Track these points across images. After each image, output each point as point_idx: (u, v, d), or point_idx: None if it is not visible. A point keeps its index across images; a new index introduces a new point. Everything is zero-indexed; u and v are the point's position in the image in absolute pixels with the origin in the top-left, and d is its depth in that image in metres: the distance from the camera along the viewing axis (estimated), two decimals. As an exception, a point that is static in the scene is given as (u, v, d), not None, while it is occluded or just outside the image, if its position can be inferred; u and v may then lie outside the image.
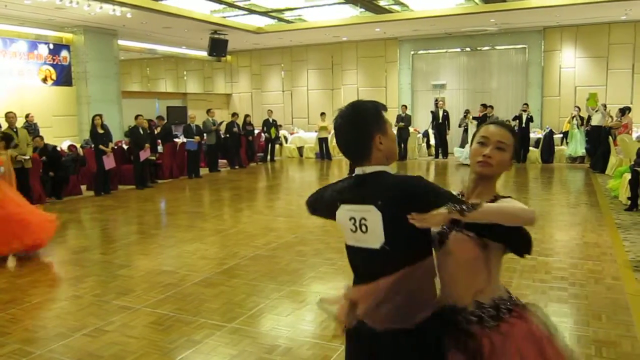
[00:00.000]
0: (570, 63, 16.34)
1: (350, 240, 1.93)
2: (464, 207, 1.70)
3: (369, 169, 1.90)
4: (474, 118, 15.02)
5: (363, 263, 1.94)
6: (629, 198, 8.51)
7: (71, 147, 12.41)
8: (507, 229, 1.74)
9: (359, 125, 1.90)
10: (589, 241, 6.65)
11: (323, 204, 2.06)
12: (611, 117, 13.38)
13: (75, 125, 14.53)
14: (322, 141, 17.09)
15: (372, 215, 1.82)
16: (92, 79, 14.48)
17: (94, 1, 11.47)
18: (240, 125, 16.01)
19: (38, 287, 5.50)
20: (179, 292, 5.09)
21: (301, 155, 18.28)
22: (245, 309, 4.61)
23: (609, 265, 5.60)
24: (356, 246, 1.92)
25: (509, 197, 1.89)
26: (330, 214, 2.01)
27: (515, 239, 1.81)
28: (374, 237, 1.84)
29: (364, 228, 1.86)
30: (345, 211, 1.92)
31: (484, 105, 15.10)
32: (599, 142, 13.14)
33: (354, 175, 1.95)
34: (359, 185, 1.91)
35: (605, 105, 13.74)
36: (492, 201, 1.84)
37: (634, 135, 12.75)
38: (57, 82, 14.17)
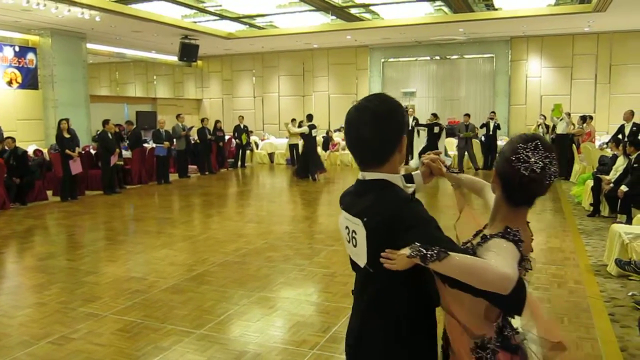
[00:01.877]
0: (536, 72, 16.75)
1: (347, 248, 1.79)
2: (429, 253, 1.46)
3: (369, 176, 1.70)
4: (419, 125, 15.31)
5: (356, 272, 1.81)
6: (591, 204, 8.76)
7: (37, 152, 12.17)
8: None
9: (385, 121, 1.65)
10: (553, 246, 6.82)
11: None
12: (574, 124, 13.74)
13: (41, 130, 14.24)
14: (293, 147, 17.08)
15: (360, 230, 1.65)
16: (60, 83, 14.23)
17: (62, 4, 11.29)
18: (211, 131, 15.93)
19: (1, 295, 5.39)
20: (147, 298, 5.04)
21: (272, 162, 18.25)
22: (214, 315, 4.59)
23: (571, 270, 5.76)
24: (351, 257, 1.79)
25: (516, 233, 1.60)
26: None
27: (496, 299, 1.49)
28: (361, 254, 1.68)
29: (354, 242, 1.70)
30: (343, 219, 1.78)
31: (435, 115, 15.31)
32: (564, 149, 13.47)
33: (357, 180, 1.77)
34: (358, 194, 1.73)
35: (569, 114, 14.11)
36: (501, 235, 1.60)
37: (597, 143, 13.12)
38: (22, 85, 13.89)
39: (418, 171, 1.99)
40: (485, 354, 1.65)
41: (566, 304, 4.73)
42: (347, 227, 1.74)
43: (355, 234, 1.67)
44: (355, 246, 1.70)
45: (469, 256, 1.50)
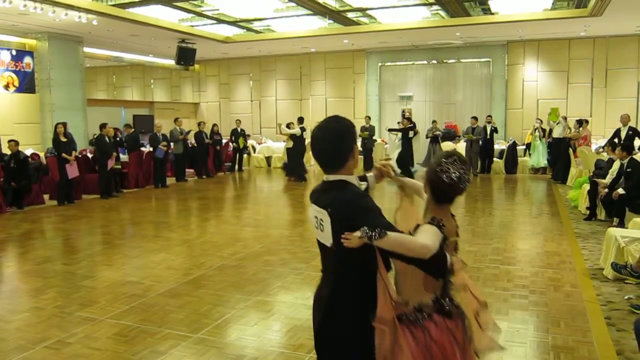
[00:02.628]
0: (533, 76, 16.80)
1: (315, 233, 2.29)
2: (373, 234, 1.94)
3: (332, 177, 2.20)
4: (392, 130, 15.28)
5: (322, 253, 2.31)
6: (587, 208, 8.78)
7: (34, 156, 12.15)
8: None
9: (340, 137, 2.18)
10: (549, 250, 6.84)
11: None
12: (570, 128, 13.79)
13: (38, 134, 14.22)
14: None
15: (326, 218, 2.14)
16: (57, 86, 14.21)
17: (59, 7, 11.29)
18: (208, 134, 15.94)
19: (-3, 299, 5.38)
20: (143, 302, 5.03)
21: (269, 165, 18.27)
22: (211, 319, 4.59)
23: (568, 274, 5.77)
24: (318, 239, 2.28)
25: (439, 221, 2.11)
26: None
27: (423, 265, 2.04)
28: (327, 237, 2.16)
29: (322, 227, 2.19)
30: (312, 210, 2.26)
31: (409, 119, 15.01)
32: (560, 153, 13.52)
33: (322, 181, 2.26)
34: (324, 191, 2.22)
35: (565, 118, 14.16)
36: (429, 222, 2.11)
37: (593, 147, 13.16)
38: (19, 89, 13.87)
39: (372, 174, 2.50)
40: (422, 315, 2.15)
41: (563, 308, 4.75)
42: (316, 217, 2.21)
43: (322, 221, 2.16)
44: (322, 231, 2.18)
45: (400, 234, 2.01)
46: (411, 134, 14.44)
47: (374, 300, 2.08)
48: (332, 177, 2.19)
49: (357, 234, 1.96)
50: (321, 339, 2.27)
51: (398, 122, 16.64)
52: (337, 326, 2.17)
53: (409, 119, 14.86)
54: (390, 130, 15.35)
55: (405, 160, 14.03)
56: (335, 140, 2.17)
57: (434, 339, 2.11)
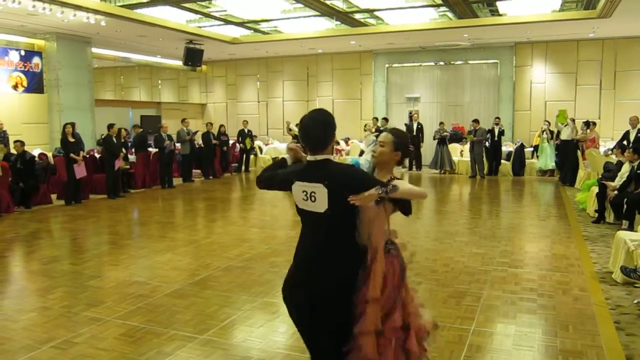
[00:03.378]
0: (541, 78, 16.72)
1: (301, 204, 2.70)
2: (388, 189, 2.51)
3: (319, 157, 2.65)
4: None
5: (310, 219, 2.72)
6: (596, 211, 8.72)
7: (41, 156, 12.21)
8: (405, 200, 2.74)
9: (328, 125, 2.69)
10: (557, 253, 6.79)
11: (277, 181, 2.86)
12: (577, 130, 13.72)
13: (46, 134, 14.29)
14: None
15: (320, 190, 2.59)
16: (65, 87, 14.28)
17: (68, 8, 11.34)
18: (215, 135, 15.96)
19: (5, 299, 5.39)
20: (150, 303, 5.03)
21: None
22: (217, 321, 4.58)
23: (576, 277, 5.73)
24: (306, 209, 2.69)
25: (400, 178, 2.78)
26: (282, 188, 2.88)
27: (406, 207, 2.78)
28: (320, 205, 2.61)
29: (313, 198, 2.63)
30: (298, 186, 2.68)
31: (385, 119, 16.23)
32: (568, 155, 13.44)
33: (307, 161, 2.70)
34: (312, 168, 2.66)
35: (573, 120, 14.08)
36: (391, 180, 2.63)
37: (602, 150, 13.08)
38: (28, 89, 13.95)
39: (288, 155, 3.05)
40: (390, 246, 2.79)
41: (571, 311, 4.71)
42: (304, 191, 2.64)
43: (314, 193, 2.61)
44: (314, 201, 2.62)
45: (402, 185, 2.61)
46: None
47: (354, 249, 2.69)
48: (318, 157, 2.64)
49: (372, 191, 2.48)
50: (320, 296, 2.65)
51: (405, 124, 16.65)
52: (328, 277, 2.64)
53: (386, 119, 16.48)
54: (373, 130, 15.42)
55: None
56: (324, 127, 2.67)
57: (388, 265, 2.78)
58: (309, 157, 2.67)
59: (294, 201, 2.76)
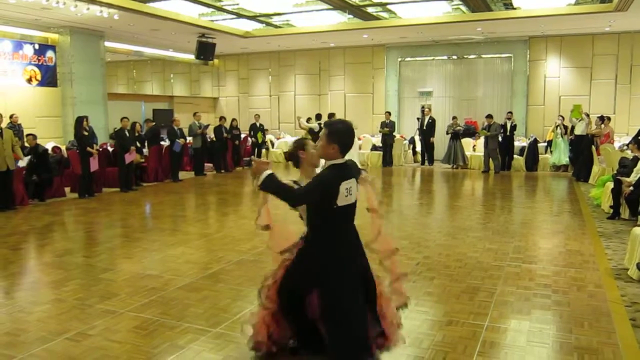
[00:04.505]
0: (555, 73, 16.55)
1: (342, 201, 3.21)
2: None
3: (346, 158, 3.32)
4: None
5: (345, 212, 3.29)
6: (611, 207, 8.63)
7: (55, 149, 12.28)
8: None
9: (353, 135, 3.39)
10: (571, 249, 6.73)
11: (331, 187, 3.19)
12: (591, 125, 13.57)
13: (59, 127, 14.39)
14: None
15: (354, 184, 3.29)
16: (78, 80, 14.37)
17: (81, 2, 11.39)
18: (227, 129, 15.97)
19: (19, 291, 5.44)
20: (163, 296, 5.05)
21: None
22: (230, 314, 4.59)
23: (591, 273, 5.67)
24: (344, 205, 3.23)
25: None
26: (327, 193, 3.19)
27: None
28: (354, 197, 3.28)
29: (351, 192, 3.24)
30: (343, 185, 3.21)
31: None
32: (582, 151, 13.30)
33: (345, 163, 3.31)
34: (347, 168, 3.30)
35: (588, 115, 13.93)
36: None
37: (616, 145, 12.93)
38: (42, 83, 14.05)
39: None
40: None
41: (586, 308, 4.66)
42: (347, 188, 3.20)
43: (351, 188, 3.24)
44: (351, 195, 3.24)
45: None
46: None
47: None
48: (347, 158, 3.32)
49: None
50: (365, 268, 3.46)
51: (417, 118, 16.59)
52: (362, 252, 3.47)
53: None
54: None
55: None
56: (354, 135, 3.38)
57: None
58: (339, 160, 3.26)
59: (326, 203, 3.21)
